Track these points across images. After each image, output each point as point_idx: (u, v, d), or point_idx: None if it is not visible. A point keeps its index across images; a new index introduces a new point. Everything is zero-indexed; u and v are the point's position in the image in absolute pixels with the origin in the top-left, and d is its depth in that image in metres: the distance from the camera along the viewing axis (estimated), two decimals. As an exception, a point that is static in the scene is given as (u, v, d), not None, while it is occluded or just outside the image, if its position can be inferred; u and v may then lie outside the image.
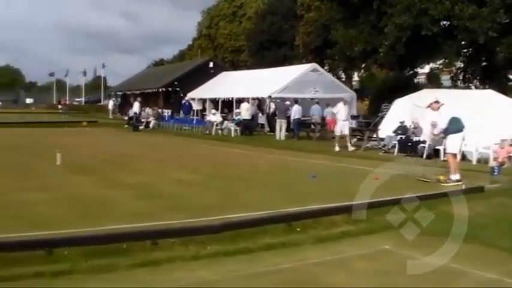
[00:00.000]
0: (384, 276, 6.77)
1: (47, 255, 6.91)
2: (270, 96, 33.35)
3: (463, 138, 14.94)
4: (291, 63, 49.92)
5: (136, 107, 38.12)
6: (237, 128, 32.16)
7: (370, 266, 7.19)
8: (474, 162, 19.29)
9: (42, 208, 9.95)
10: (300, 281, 6.61)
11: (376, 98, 39.59)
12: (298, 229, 8.69)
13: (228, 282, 6.49)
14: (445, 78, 53.74)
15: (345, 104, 24.55)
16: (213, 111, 36.21)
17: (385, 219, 9.14)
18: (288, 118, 30.34)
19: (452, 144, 14.40)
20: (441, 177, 14.05)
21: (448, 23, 26.33)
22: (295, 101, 31.50)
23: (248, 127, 31.98)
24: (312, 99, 34.32)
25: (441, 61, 30.39)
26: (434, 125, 15.66)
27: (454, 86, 36.81)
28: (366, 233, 8.75)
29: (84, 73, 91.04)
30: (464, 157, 19.06)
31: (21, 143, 25.06)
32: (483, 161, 19.29)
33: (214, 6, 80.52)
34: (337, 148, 23.11)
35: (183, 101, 44.82)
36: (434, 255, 7.44)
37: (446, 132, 14.43)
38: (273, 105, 33.03)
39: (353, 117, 34.31)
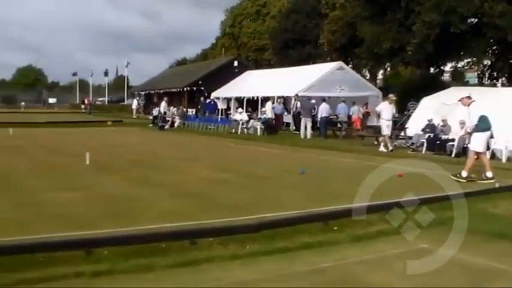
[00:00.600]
0: (425, 276, 6.66)
1: (87, 255, 6.90)
2: (296, 95, 33.27)
3: (491, 136, 14.88)
4: (314, 62, 49.88)
5: (163, 106, 38.12)
6: (263, 127, 32.15)
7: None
8: (504, 160, 19.10)
9: (76, 207, 9.95)
10: (341, 280, 6.53)
11: (402, 97, 39.27)
12: (335, 228, 8.63)
13: (269, 281, 6.43)
14: (470, 76, 53.35)
15: (390, 102, 23.55)
16: (240, 110, 36.19)
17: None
18: (312, 117, 30.29)
19: (477, 142, 14.36)
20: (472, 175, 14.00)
21: (476, 20, 25.99)
22: (323, 99, 31.38)
23: (271, 126, 31.87)
24: (337, 97, 34.26)
25: (469, 59, 29.94)
26: (462, 123, 15.57)
27: (481, 83, 36.49)
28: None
29: (106, 73, 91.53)
30: (493, 155, 19.00)
31: (49, 142, 25.28)
32: (514, 159, 19.17)
33: (238, 5, 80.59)
34: (383, 149, 22.44)
35: (208, 100, 44.88)
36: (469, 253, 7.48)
37: (474, 130, 14.38)
38: (298, 104, 32.99)
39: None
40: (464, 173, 13.99)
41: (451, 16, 25.03)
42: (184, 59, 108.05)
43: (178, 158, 19.71)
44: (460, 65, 38.06)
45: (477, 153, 14.30)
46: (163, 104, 38.33)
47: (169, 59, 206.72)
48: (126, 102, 76.21)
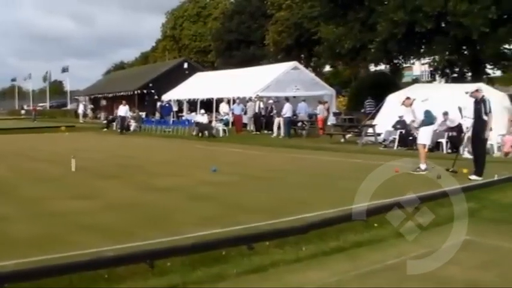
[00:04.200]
0: (496, 268, 6.89)
1: (150, 268, 6.50)
2: (258, 96, 33.43)
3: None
4: (259, 63, 50.06)
5: (123, 110, 37.39)
6: (225, 128, 32.17)
7: (469, 257, 7.21)
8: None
9: (100, 217, 9.42)
10: (416, 276, 6.47)
11: (354, 95, 39.93)
12: (375, 224, 8.66)
13: (349, 282, 6.39)
14: (408, 74, 54.54)
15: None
16: (202, 111, 35.98)
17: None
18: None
19: (424, 136, 15.25)
20: (464, 171, 14.34)
21: (439, 19, 26.41)
22: (286, 99, 31.68)
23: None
24: (294, 97, 34.63)
25: (431, 57, 30.45)
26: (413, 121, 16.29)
27: (434, 80, 37.42)
28: (436, 225, 8.79)
29: (45, 78, 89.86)
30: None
31: (14, 149, 24.05)
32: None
33: (178, 7, 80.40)
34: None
35: (161, 103, 44.40)
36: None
37: (421, 124, 15.28)
38: (261, 105, 33.26)
39: (335, 114, 34.81)
40: (422, 166, 14.79)
41: (416, 15, 25.47)
42: (122, 63, 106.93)
43: (159, 161, 19.35)
44: (422, 62, 38.86)
45: (423, 145, 15.19)
46: (123, 107, 37.36)
47: (105, 63, 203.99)
48: (69, 107, 74.78)
